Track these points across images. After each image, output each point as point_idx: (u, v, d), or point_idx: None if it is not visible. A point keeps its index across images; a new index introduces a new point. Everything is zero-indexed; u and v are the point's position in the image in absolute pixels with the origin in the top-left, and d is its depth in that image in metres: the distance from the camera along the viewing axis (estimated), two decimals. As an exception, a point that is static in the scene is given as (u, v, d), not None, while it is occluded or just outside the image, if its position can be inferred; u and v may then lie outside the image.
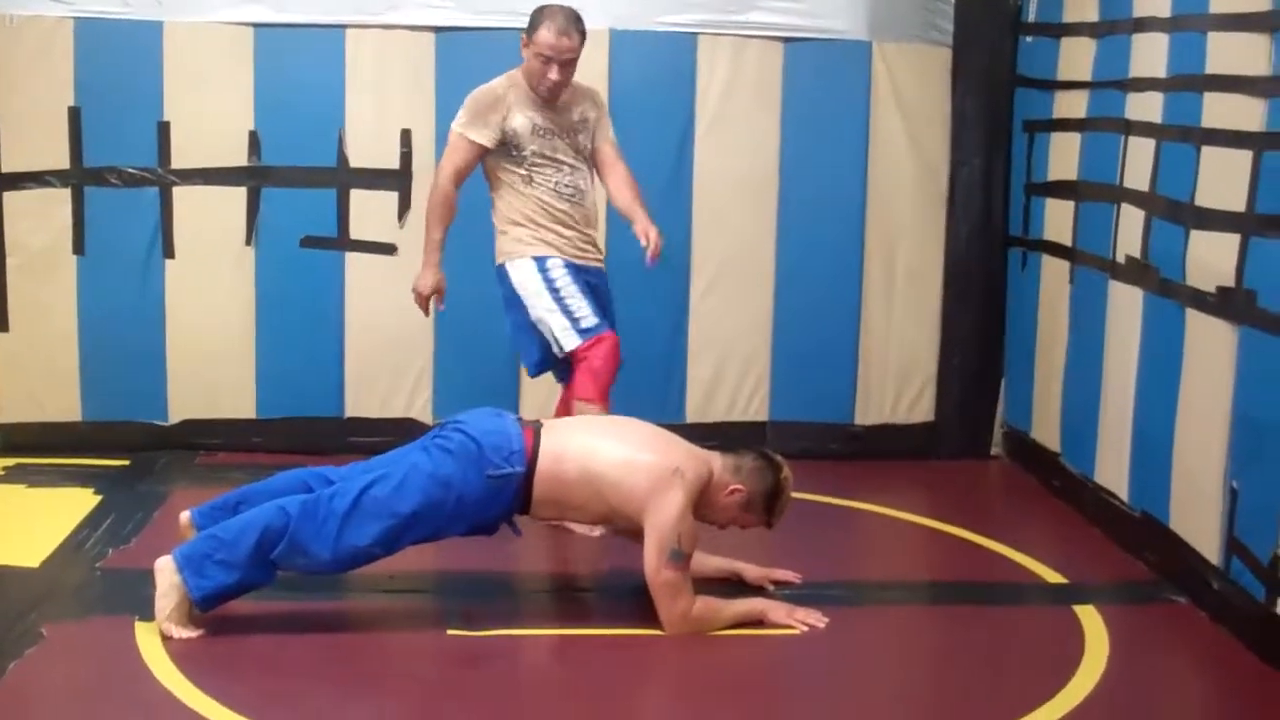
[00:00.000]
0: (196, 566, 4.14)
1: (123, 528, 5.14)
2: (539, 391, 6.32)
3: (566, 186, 5.22)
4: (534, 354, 5.29)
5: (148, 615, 4.17)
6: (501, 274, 5.24)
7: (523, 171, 5.17)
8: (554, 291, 5.13)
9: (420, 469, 4.26)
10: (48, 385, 6.20)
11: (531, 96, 5.14)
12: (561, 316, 5.11)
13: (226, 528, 4.21)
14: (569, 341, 5.09)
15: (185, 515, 4.48)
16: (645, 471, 4.31)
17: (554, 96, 5.14)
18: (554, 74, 5.06)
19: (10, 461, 6.00)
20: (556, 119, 5.19)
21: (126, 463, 6.01)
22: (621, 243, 6.28)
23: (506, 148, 5.15)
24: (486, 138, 5.13)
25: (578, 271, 5.22)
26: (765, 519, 4.53)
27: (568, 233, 5.24)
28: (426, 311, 5.44)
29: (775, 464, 4.50)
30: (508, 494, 4.31)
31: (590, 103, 5.33)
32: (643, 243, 5.14)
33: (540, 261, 5.17)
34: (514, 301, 5.23)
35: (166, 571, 4.17)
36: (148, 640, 4.11)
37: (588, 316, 5.11)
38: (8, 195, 6.11)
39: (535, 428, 4.40)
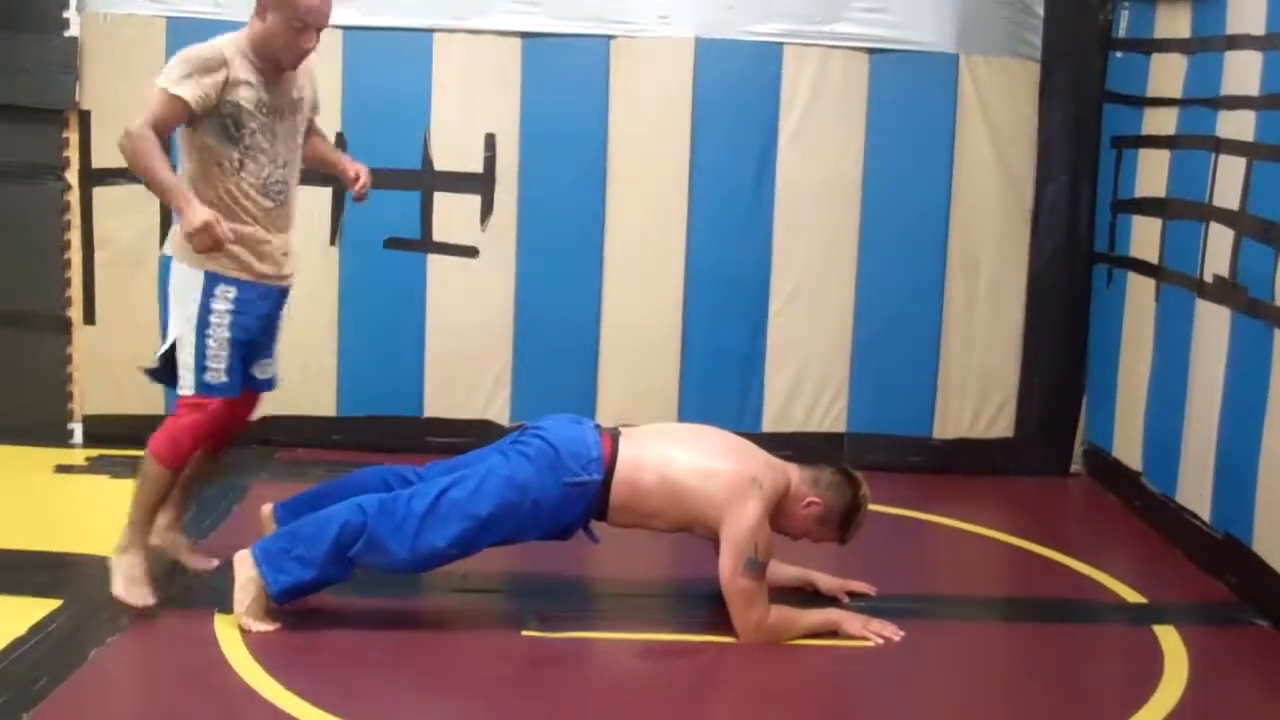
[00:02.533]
0: (274, 561, 4.19)
1: (203, 521, 5.19)
2: (616, 396, 6.35)
3: (277, 183, 4.42)
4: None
5: (227, 608, 4.23)
6: (164, 262, 4.44)
7: (234, 156, 4.32)
8: (203, 324, 4.34)
9: (498, 473, 4.28)
10: (132, 378, 6.25)
11: (259, 68, 4.30)
12: (191, 353, 4.35)
13: (305, 523, 4.26)
14: (183, 384, 4.38)
15: (267, 508, 4.55)
16: (724, 480, 4.31)
17: (293, 68, 4.41)
18: (312, 43, 4.31)
19: (94, 452, 6.10)
20: (280, 96, 4.39)
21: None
22: (702, 254, 6.31)
23: (222, 122, 4.28)
24: (197, 100, 4.21)
25: (256, 303, 4.42)
26: (839, 535, 4.52)
27: (265, 245, 4.41)
28: (227, 239, 4.24)
29: (854, 480, 4.49)
30: (584, 501, 4.33)
31: (307, 75, 4.55)
32: (353, 176, 4.68)
33: (211, 283, 4.34)
34: (163, 295, 4.46)
35: (245, 565, 4.22)
36: (226, 632, 4.16)
37: (217, 373, 4.35)
38: (97, 190, 6.21)
39: (613, 435, 4.41)
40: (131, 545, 4.38)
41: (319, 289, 6.25)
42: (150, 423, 6.17)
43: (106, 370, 6.26)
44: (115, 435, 6.16)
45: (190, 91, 4.19)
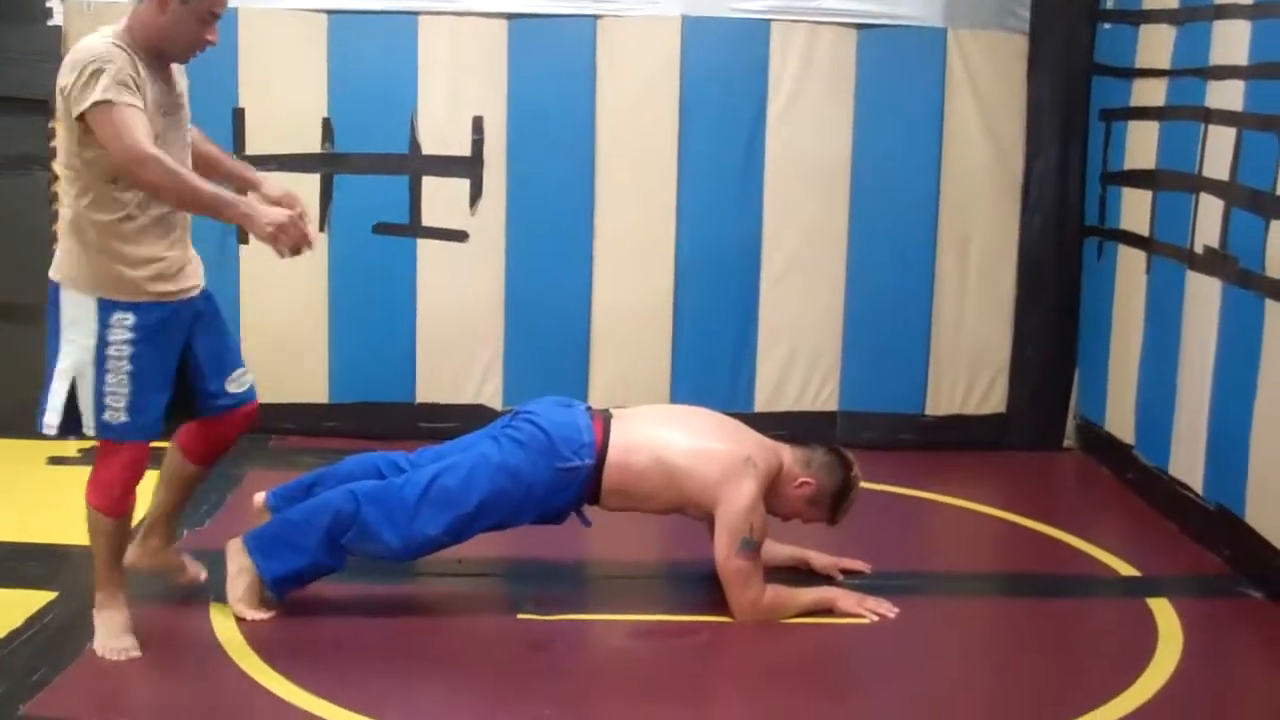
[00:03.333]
0: (266, 550, 4.20)
1: (198, 509, 5.18)
2: (608, 378, 6.34)
3: None
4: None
5: (222, 596, 4.23)
6: (53, 290, 3.86)
7: None
8: (101, 358, 3.82)
9: (489, 459, 4.28)
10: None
11: (147, 63, 3.79)
12: (89, 390, 3.84)
13: (297, 511, 4.26)
14: (85, 425, 3.89)
15: (260, 497, 4.54)
16: (718, 460, 4.31)
17: (185, 61, 3.96)
18: (214, 36, 3.87)
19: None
20: (168, 93, 3.88)
21: (201, 445, 6.07)
22: (692, 235, 6.30)
23: None
24: (141, 105, 3.72)
25: (164, 326, 3.90)
26: (830, 515, 4.53)
27: (169, 253, 3.90)
28: (309, 243, 3.91)
29: (846, 461, 4.49)
30: (577, 485, 4.33)
31: (179, 69, 4.00)
32: (276, 197, 4.04)
33: (107, 311, 3.81)
34: (54, 327, 3.87)
35: (237, 554, 4.23)
36: (222, 621, 4.16)
37: (115, 412, 3.84)
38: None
39: (605, 418, 4.41)
40: (106, 601, 4.01)
41: (308, 276, 6.23)
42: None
43: (97, 360, 6.24)
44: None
45: (134, 97, 3.68)
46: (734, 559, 4.25)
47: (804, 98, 6.30)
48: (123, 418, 3.84)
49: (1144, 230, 5.76)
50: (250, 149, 6.17)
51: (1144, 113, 5.80)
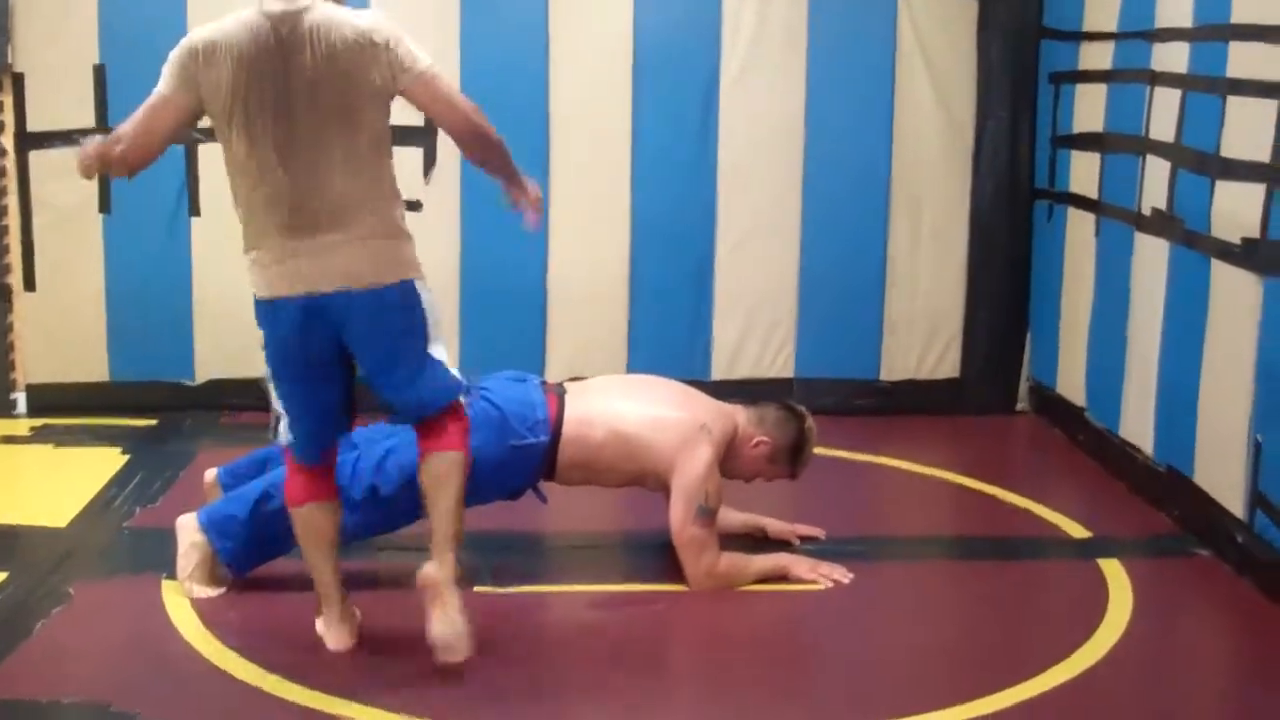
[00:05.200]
0: (220, 528, 4.17)
1: (149, 487, 5.17)
2: (565, 347, 6.34)
3: None
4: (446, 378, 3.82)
5: (174, 574, 4.21)
6: (405, 292, 3.71)
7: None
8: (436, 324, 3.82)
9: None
10: (75, 345, 6.23)
11: None
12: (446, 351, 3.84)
13: (251, 489, 4.24)
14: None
15: (211, 473, 4.52)
16: (673, 429, 4.32)
17: None
18: None
19: (38, 422, 6.05)
20: None
21: (153, 422, 6.06)
22: (647, 203, 6.29)
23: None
24: None
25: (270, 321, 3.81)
26: (790, 469, 4.55)
27: None
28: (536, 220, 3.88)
29: (798, 414, 4.52)
30: (532, 463, 4.32)
31: None
32: None
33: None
34: (418, 328, 3.76)
35: (188, 530, 4.20)
36: (174, 599, 4.15)
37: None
38: (34, 155, 6.13)
39: (559, 393, 4.40)
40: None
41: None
42: (95, 390, 6.20)
43: (49, 338, 6.21)
44: (59, 404, 6.13)
45: None
46: (689, 526, 4.26)
47: (757, 64, 6.30)
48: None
49: (1093, 193, 5.79)
50: (202, 120, 6.09)
51: (1091, 76, 5.83)
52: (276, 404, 3.79)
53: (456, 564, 3.73)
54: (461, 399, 3.80)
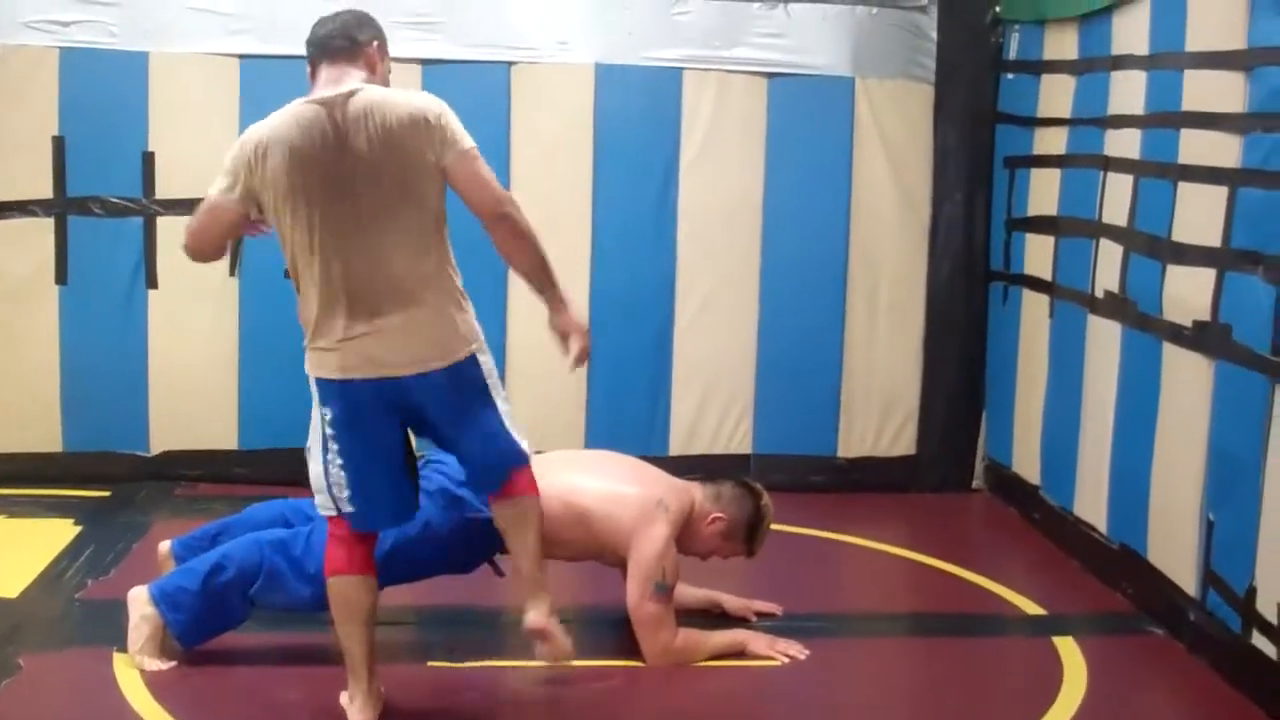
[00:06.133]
0: (172, 600, 4.14)
1: (102, 559, 5.12)
2: (523, 420, 6.31)
3: None
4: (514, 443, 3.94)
5: (126, 647, 4.16)
6: (472, 364, 3.80)
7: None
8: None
9: (398, 510, 4.24)
10: (29, 415, 6.19)
11: None
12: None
13: (203, 561, 4.20)
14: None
15: (165, 546, 4.48)
16: (630, 505, 4.32)
17: None
18: None
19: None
20: None
21: (107, 494, 6.00)
22: (607, 278, 6.32)
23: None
24: None
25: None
26: (746, 547, 4.55)
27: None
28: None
29: (755, 491, 4.53)
30: (488, 535, 4.30)
31: None
32: None
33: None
34: (485, 394, 3.86)
35: (139, 603, 4.16)
36: (125, 672, 4.10)
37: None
38: (-8, 224, 6.12)
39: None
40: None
41: (218, 321, 6.20)
42: (48, 461, 6.15)
43: (2, 408, 6.16)
44: (12, 474, 6.06)
45: None
46: (647, 603, 4.26)
47: (716, 144, 6.37)
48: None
49: (1047, 275, 5.86)
50: (160, 192, 6.13)
51: (1046, 160, 5.92)
52: (322, 476, 3.80)
53: (549, 597, 3.93)
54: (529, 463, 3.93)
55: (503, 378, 6.21)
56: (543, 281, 3.81)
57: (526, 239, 3.77)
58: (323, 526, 4.21)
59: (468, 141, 3.67)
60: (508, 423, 3.88)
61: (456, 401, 3.75)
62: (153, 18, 6.07)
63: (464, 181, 3.67)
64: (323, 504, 3.83)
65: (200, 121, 6.12)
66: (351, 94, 3.63)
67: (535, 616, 3.90)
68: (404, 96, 3.68)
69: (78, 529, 5.49)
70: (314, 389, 3.77)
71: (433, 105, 3.66)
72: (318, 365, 3.73)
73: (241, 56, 6.12)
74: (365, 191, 3.60)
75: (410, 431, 3.88)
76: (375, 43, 3.81)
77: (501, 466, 3.87)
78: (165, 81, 6.11)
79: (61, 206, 6.12)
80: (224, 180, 3.70)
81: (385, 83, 3.80)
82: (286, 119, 3.65)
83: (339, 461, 3.75)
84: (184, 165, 6.12)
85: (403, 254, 3.64)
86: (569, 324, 3.80)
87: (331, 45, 3.77)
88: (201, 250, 3.82)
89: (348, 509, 3.78)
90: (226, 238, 3.86)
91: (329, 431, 3.74)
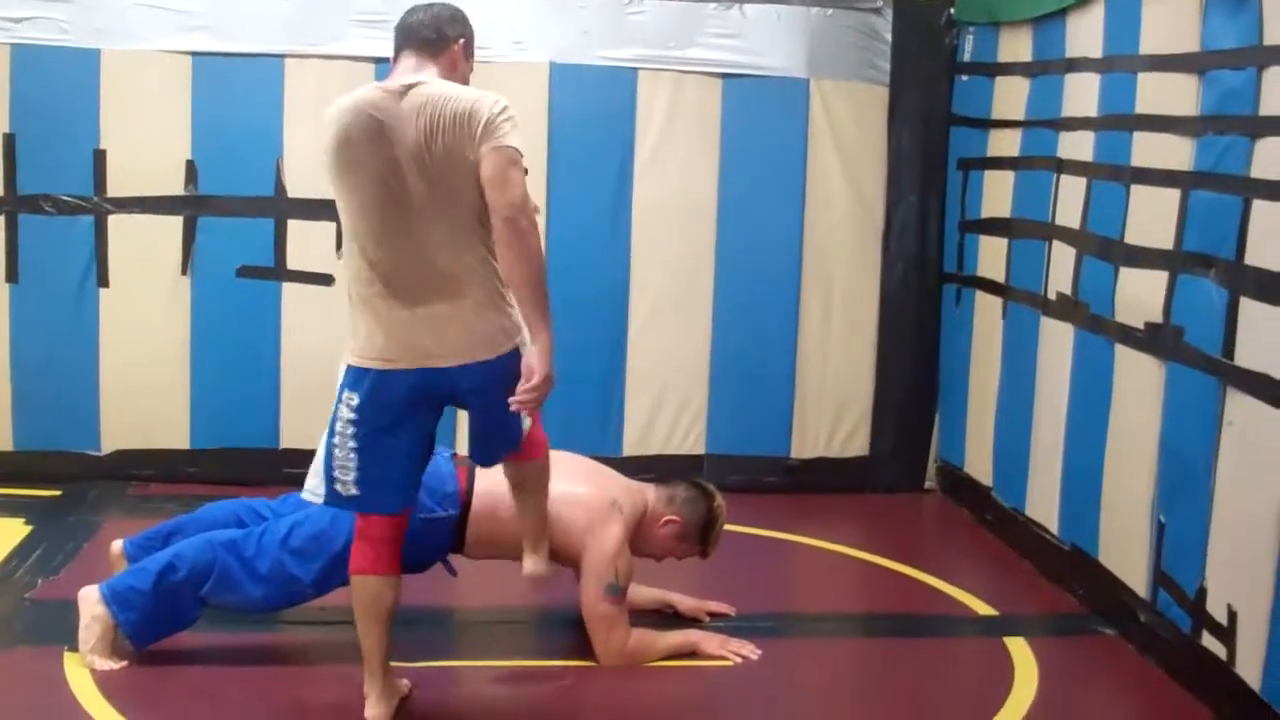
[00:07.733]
0: (123, 599, 4.11)
1: (53, 558, 5.08)
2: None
3: None
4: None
5: (76, 646, 4.13)
6: (514, 358, 3.70)
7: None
8: None
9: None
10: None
11: None
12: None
13: (154, 561, 4.18)
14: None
15: (117, 545, 4.45)
16: (583, 506, 4.32)
17: None
18: None
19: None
20: None
21: (58, 493, 5.94)
22: (560, 278, 6.30)
23: None
24: None
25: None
26: (700, 548, 4.55)
27: None
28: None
29: (708, 493, 4.53)
30: (442, 535, 4.30)
31: None
32: None
33: None
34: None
35: (90, 602, 4.13)
36: (76, 671, 4.07)
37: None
38: (-59, 223, 6.06)
39: (470, 466, 4.37)
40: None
41: (170, 319, 6.15)
42: (0, 460, 6.11)
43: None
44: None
45: None
46: (600, 604, 4.26)
47: (671, 144, 6.37)
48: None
49: (1000, 277, 5.90)
50: (112, 190, 6.08)
51: (1000, 162, 5.96)
52: (326, 459, 3.77)
53: (546, 547, 4.13)
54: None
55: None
56: (530, 312, 3.62)
57: (527, 258, 3.56)
58: (273, 527, 4.21)
59: (510, 140, 3.54)
60: (538, 416, 3.89)
61: (499, 395, 3.66)
62: (104, 15, 6.02)
63: (489, 176, 3.54)
64: (313, 488, 3.81)
65: (152, 119, 6.09)
66: (415, 85, 3.60)
67: (531, 566, 4.10)
68: (468, 93, 3.61)
69: (28, 528, 5.43)
70: (341, 374, 3.74)
71: (490, 103, 3.57)
72: (356, 353, 3.70)
73: (194, 54, 6.08)
74: (412, 182, 3.55)
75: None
76: (462, 40, 3.76)
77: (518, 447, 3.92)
78: (117, 79, 6.05)
79: (12, 204, 6.06)
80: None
81: (465, 82, 3.72)
82: (352, 100, 3.63)
83: (352, 445, 3.71)
84: (135, 163, 6.09)
85: (449, 247, 3.60)
86: (531, 361, 3.64)
87: (419, 35, 3.72)
88: None
89: (351, 492, 3.75)
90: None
91: (351, 416, 3.70)
